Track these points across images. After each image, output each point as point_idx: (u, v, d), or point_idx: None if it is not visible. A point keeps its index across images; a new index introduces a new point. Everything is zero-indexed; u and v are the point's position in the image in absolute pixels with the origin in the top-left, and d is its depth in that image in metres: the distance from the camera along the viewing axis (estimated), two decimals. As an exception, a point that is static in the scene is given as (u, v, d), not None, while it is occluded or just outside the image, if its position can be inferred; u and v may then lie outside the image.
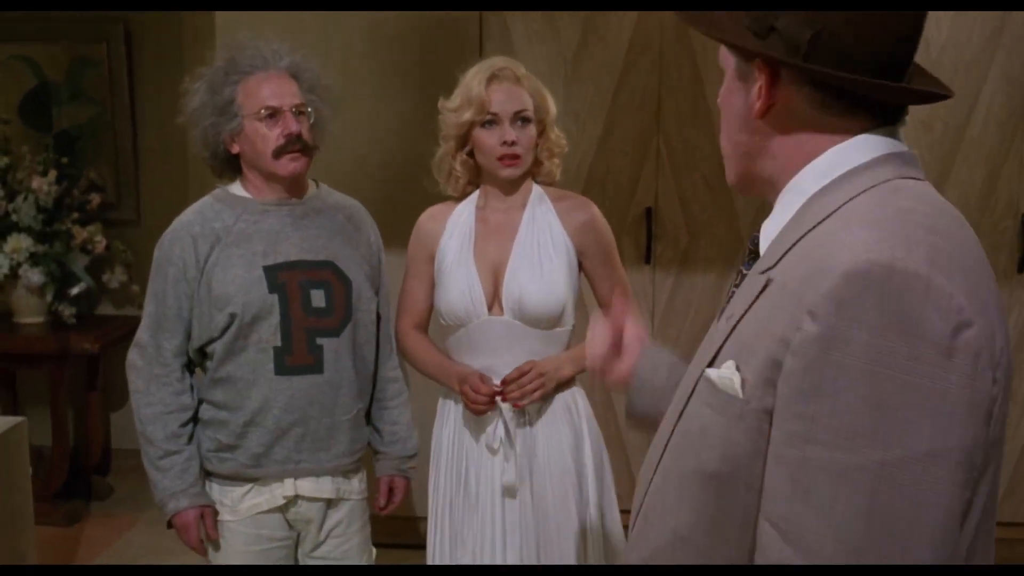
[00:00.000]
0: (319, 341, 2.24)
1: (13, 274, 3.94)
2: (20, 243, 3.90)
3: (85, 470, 4.18)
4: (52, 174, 3.97)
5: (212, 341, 2.23)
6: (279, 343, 2.21)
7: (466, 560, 2.28)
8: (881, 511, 0.88)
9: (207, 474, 2.31)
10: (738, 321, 1.04)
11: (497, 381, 2.24)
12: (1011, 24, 3.22)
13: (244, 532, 2.28)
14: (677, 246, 3.39)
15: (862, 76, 0.99)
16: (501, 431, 2.25)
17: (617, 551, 2.33)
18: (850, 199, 1.00)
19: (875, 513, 0.88)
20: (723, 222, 3.36)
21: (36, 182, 3.92)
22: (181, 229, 2.24)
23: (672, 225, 3.38)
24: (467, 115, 2.21)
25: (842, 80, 1.00)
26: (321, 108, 2.29)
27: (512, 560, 2.25)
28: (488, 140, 2.22)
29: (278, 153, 2.20)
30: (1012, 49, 3.23)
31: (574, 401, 2.33)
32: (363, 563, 2.41)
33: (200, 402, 2.30)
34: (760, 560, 0.96)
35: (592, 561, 2.30)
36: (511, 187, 2.29)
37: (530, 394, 2.22)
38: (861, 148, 1.03)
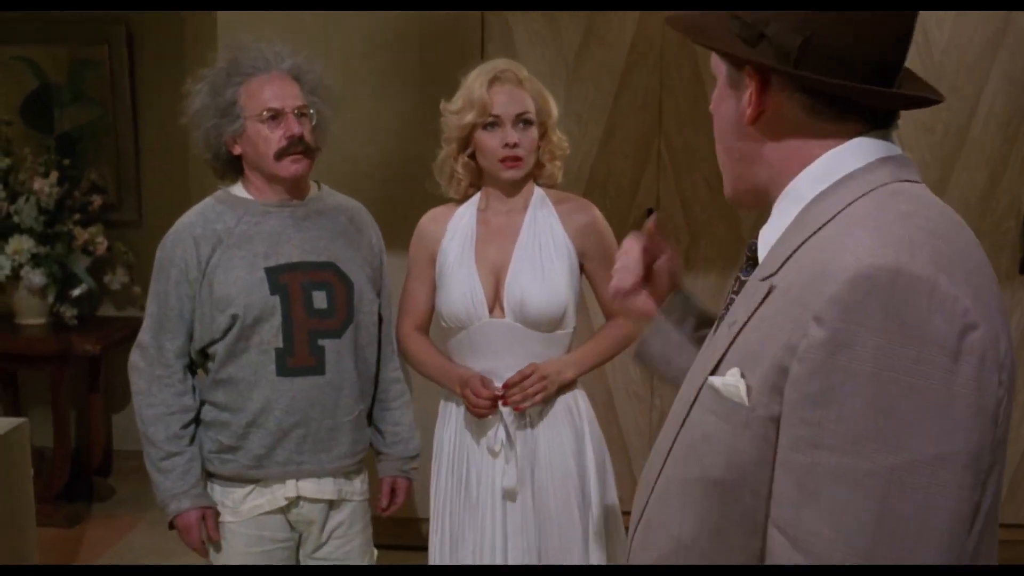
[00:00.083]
0: (321, 342, 2.24)
1: (15, 275, 3.94)
2: (22, 244, 3.91)
3: (87, 471, 4.18)
4: (54, 175, 3.97)
5: (214, 342, 2.23)
6: (281, 344, 2.21)
7: (467, 563, 2.28)
8: (891, 515, 0.88)
9: (209, 475, 2.31)
10: (741, 328, 1.03)
11: (498, 384, 2.24)
12: (1013, 26, 3.22)
13: (246, 533, 2.28)
14: (678, 247, 3.39)
15: (853, 81, 0.99)
16: (502, 434, 2.25)
17: (619, 554, 2.32)
18: (848, 204, 1.00)
19: (885, 518, 0.88)
20: (724, 223, 3.36)
21: (38, 183, 3.93)
22: (183, 230, 2.24)
23: (673, 226, 3.38)
24: (469, 117, 2.21)
25: (833, 87, 1.00)
26: (323, 110, 2.29)
27: (513, 563, 2.25)
28: (490, 142, 2.22)
29: (280, 155, 2.20)
30: (1014, 50, 3.23)
31: (575, 403, 2.32)
32: (365, 564, 2.41)
33: (202, 403, 2.30)
34: None
35: (594, 564, 2.30)
36: (512, 189, 2.29)
37: (532, 397, 2.22)
38: (856, 152, 1.03)
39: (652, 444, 1.19)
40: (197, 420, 2.29)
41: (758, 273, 1.07)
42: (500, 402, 2.22)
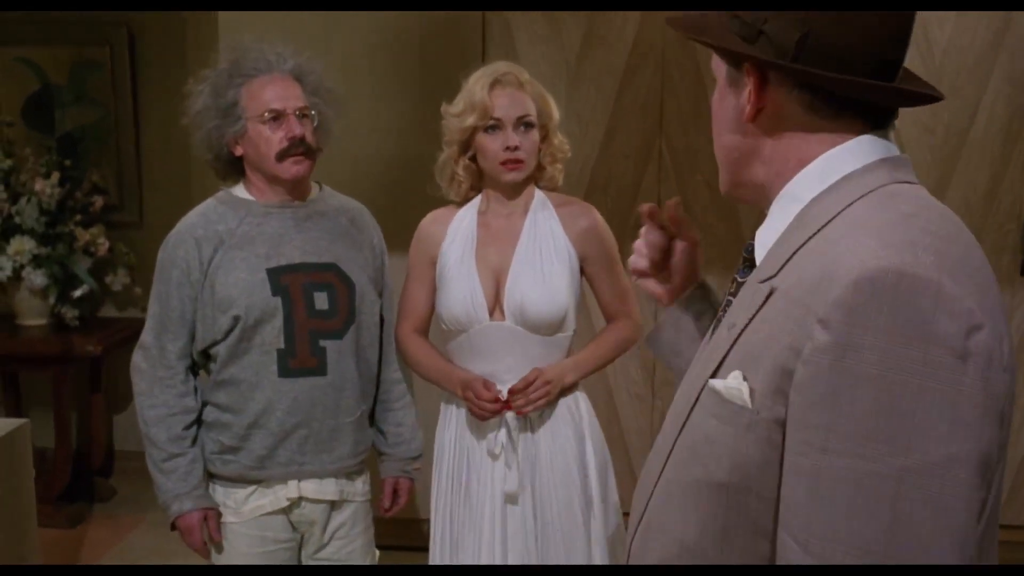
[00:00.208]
0: (322, 343, 2.24)
1: (16, 276, 3.95)
2: (23, 245, 3.91)
3: (88, 472, 4.18)
4: (55, 176, 3.97)
5: (215, 343, 2.23)
6: (282, 345, 2.21)
7: (467, 564, 2.28)
8: (902, 518, 0.88)
9: (211, 476, 2.31)
10: (741, 331, 1.03)
11: (500, 387, 2.24)
12: (1014, 27, 3.22)
13: (247, 534, 2.28)
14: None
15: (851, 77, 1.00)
16: (503, 437, 2.25)
17: (621, 556, 2.32)
18: (848, 205, 1.00)
19: (897, 520, 0.88)
20: (725, 224, 3.36)
21: (39, 184, 3.93)
22: (185, 231, 2.25)
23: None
24: (470, 120, 2.21)
25: (831, 81, 1.00)
26: (324, 111, 2.29)
27: (513, 564, 2.25)
28: (491, 145, 2.22)
29: (281, 156, 2.20)
30: (1015, 51, 3.23)
31: (576, 405, 2.32)
32: (367, 565, 2.41)
33: (204, 404, 2.30)
34: None
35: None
36: (513, 192, 2.29)
37: (535, 402, 2.22)
38: (855, 153, 1.03)
39: (653, 444, 1.19)
40: (199, 421, 2.29)
41: (757, 275, 1.07)
42: (504, 407, 2.22)
